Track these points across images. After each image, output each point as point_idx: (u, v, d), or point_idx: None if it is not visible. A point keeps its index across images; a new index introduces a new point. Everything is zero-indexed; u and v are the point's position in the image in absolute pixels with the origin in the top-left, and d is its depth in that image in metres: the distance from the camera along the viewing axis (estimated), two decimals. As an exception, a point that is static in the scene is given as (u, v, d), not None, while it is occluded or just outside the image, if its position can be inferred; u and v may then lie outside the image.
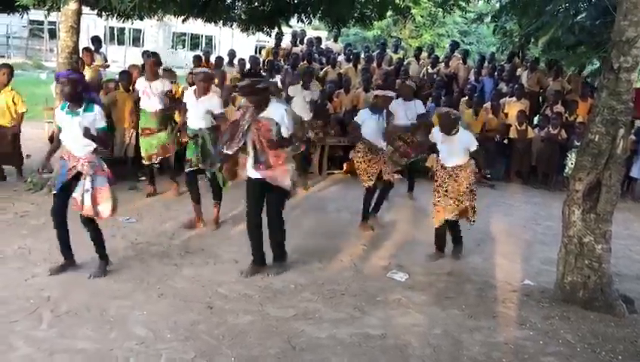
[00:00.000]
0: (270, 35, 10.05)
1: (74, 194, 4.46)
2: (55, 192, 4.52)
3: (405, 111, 7.43)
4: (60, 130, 4.53)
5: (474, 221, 5.64)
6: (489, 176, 9.97)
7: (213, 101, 5.97)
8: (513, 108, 10.19)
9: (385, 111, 6.41)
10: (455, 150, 5.41)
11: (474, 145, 5.41)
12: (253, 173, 4.79)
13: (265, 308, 4.27)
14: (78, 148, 4.44)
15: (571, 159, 8.85)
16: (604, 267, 4.67)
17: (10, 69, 7.19)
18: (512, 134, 9.91)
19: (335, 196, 8.03)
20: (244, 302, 4.34)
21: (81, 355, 3.45)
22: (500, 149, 10.00)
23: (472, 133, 5.74)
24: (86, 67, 8.79)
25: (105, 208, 4.51)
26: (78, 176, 4.45)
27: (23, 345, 3.51)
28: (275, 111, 4.65)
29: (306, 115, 7.73)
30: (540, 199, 8.86)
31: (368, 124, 6.27)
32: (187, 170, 6.08)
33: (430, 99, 10.71)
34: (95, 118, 4.42)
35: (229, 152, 4.75)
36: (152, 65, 6.85)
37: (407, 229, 6.65)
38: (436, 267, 5.43)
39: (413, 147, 7.54)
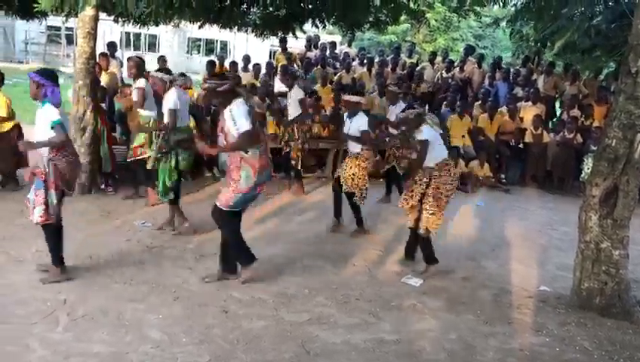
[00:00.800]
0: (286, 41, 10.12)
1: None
2: None
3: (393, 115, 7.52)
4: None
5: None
6: (504, 180, 9.92)
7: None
8: (529, 112, 10.13)
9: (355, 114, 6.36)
10: None
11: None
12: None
13: (279, 312, 4.27)
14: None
15: (588, 164, 8.77)
16: (622, 273, 4.62)
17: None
18: (528, 138, 9.85)
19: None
20: (259, 307, 4.35)
21: (97, 359, 3.48)
22: (516, 154, 9.94)
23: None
24: (102, 72, 8.87)
25: (36, 212, 4.37)
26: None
27: (39, 347, 3.55)
28: (229, 111, 4.53)
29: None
30: (555, 204, 8.78)
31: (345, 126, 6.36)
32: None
33: (445, 103, 10.70)
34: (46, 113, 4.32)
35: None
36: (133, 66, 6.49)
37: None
38: (450, 272, 5.40)
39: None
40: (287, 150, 8.03)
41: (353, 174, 6.18)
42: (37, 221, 4.40)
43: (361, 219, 6.40)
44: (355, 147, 6.27)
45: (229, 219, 4.68)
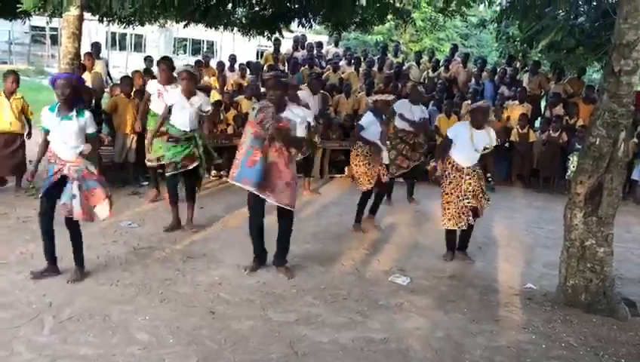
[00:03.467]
0: (271, 40, 10.11)
1: (63, 200, 4.41)
2: (41, 196, 4.47)
3: (412, 114, 7.48)
4: (47, 132, 4.46)
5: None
6: (490, 179, 9.97)
7: (203, 99, 6.04)
8: (515, 111, 10.21)
9: (384, 114, 6.46)
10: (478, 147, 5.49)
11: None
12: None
13: (267, 312, 4.27)
14: (65, 151, 4.42)
15: (573, 162, 8.86)
16: (606, 270, 4.67)
17: (16, 76, 7.20)
18: (514, 137, 9.92)
19: (337, 200, 8.03)
20: (246, 307, 4.34)
21: (83, 361, 3.45)
22: (502, 152, 9.99)
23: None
24: (86, 72, 8.81)
25: (101, 210, 4.51)
26: (64, 180, 4.42)
27: (25, 350, 3.51)
28: (297, 112, 4.80)
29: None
30: (541, 202, 8.86)
31: (372, 127, 6.29)
32: (170, 173, 5.98)
33: (432, 103, 10.75)
34: (86, 123, 4.44)
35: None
36: (165, 69, 6.73)
37: (409, 233, 6.65)
38: (438, 271, 5.43)
39: (416, 149, 7.59)
40: None
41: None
42: (104, 216, 4.61)
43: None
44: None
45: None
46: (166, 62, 6.84)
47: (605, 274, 4.66)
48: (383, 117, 6.47)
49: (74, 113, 4.41)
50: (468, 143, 5.46)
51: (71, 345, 3.62)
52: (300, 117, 4.77)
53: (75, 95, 4.44)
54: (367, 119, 6.36)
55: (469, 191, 5.46)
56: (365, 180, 6.35)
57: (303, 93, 7.80)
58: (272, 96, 4.74)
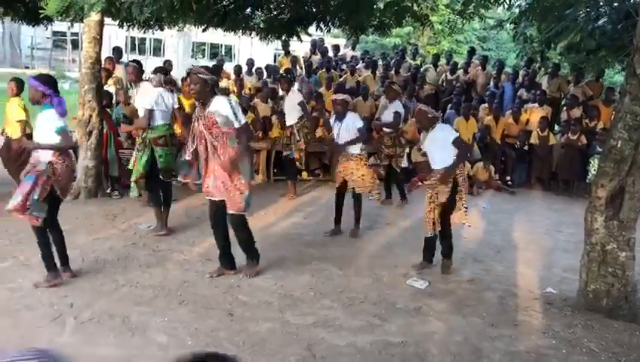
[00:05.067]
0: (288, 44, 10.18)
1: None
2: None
3: (389, 111, 7.53)
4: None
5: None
6: (510, 182, 9.90)
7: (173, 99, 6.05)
8: (535, 114, 10.11)
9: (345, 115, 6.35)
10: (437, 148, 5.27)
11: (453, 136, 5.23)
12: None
13: (285, 315, 4.28)
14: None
15: (594, 166, 8.74)
16: (628, 275, 4.60)
17: (17, 82, 7.27)
18: (534, 140, 9.83)
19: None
20: (264, 309, 4.35)
21: (103, 361, 3.49)
22: (521, 156, 9.92)
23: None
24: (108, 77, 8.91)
25: (12, 200, 4.33)
26: None
27: (47, 350, 3.56)
28: (219, 103, 4.56)
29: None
30: (561, 206, 8.75)
31: (334, 130, 6.29)
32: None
33: (450, 106, 10.71)
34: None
35: (187, 157, 4.84)
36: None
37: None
38: (456, 274, 5.39)
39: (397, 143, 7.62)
40: (287, 153, 8.05)
41: (362, 175, 6.19)
42: (9, 208, 4.32)
43: (360, 218, 6.44)
44: (354, 148, 6.21)
45: (244, 222, 4.85)
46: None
47: (627, 279, 4.59)
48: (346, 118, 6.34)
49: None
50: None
51: (91, 346, 3.67)
52: (225, 111, 4.52)
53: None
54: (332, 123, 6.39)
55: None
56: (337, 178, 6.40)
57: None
58: (192, 90, 4.67)
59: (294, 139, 7.84)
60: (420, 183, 5.50)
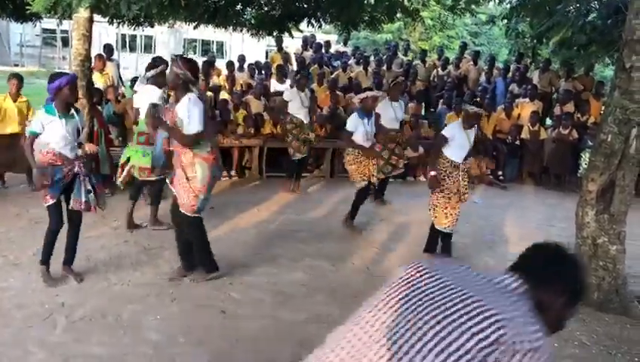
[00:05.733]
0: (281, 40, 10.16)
1: (76, 197, 4.43)
2: (53, 202, 4.41)
3: (394, 112, 7.39)
4: (35, 135, 4.32)
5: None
6: (501, 177, 9.93)
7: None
8: (526, 109, 10.16)
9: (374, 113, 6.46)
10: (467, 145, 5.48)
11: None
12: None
13: (277, 312, 4.27)
14: (70, 150, 4.44)
15: (585, 160, 8.79)
16: (619, 268, 4.63)
17: (18, 79, 7.24)
18: (525, 135, 9.87)
19: (347, 199, 8.00)
20: (257, 306, 4.35)
21: (95, 360, 3.48)
22: (512, 151, 9.95)
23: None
24: (97, 73, 8.86)
25: (102, 201, 4.66)
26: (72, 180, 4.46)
27: (38, 350, 3.54)
28: (182, 104, 4.35)
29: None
30: (552, 200, 8.79)
31: (359, 128, 6.28)
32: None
33: (441, 101, 10.73)
34: (80, 120, 4.55)
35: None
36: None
37: (419, 232, 6.62)
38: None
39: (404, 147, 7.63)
40: (301, 154, 8.07)
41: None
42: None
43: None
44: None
45: (196, 224, 4.60)
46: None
47: (618, 272, 4.62)
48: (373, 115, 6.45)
49: (73, 112, 4.46)
50: (465, 141, 5.44)
51: (83, 344, 3.65)
52: (181, 113, 4.34)
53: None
54: (353, 122, 6.33)
55: (463, 187, 5.48)
56: (358, 177, 6.35)
57: (292, 90, 8.02)
58: (168, 80, 4.60)
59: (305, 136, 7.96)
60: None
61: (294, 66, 11.28)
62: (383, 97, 7.07)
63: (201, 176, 4.43)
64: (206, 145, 4.46)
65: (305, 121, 7.98)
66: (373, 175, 6.38)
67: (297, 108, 7.93)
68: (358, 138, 6.27)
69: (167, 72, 4.70)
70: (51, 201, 4.40)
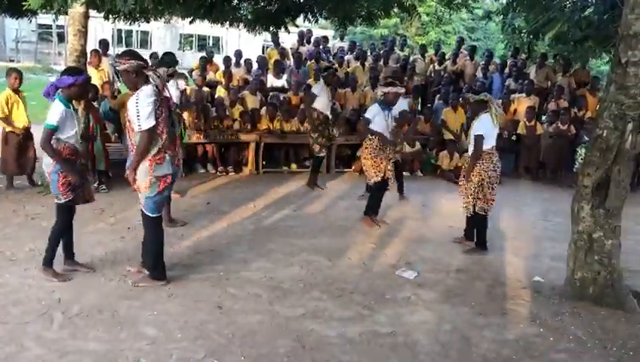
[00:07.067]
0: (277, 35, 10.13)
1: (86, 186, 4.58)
2: (71, 199, 4.43)
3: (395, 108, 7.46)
4: (54, 129, 4.22)
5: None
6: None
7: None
8: (522, 104, 10.17)
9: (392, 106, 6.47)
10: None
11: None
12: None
13: (274, 307, 4.28)
14: (80, 145, 4.50)
15: (581, 155, 8.81)
16: (614, 262, 4.65)
17: (19, 73, 7.24)
18: (521, 130, 9.88)
19: (343, 195, 8.03)
20: (253, 302, 4.35)
21: (92, 356, 3.48)
22: (509, 146, 9.96)
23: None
24: (93, 69, 8.83)
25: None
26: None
27: (35, 346, 3.54)
28: (132, 99, 4.12)
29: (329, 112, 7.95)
30: (549, 195, 8.82)
31: (378, 119, 6.29)
32: None
33: (438, 96, 10.72)
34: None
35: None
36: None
37: (416, 227, 6.64)
38: (445, 264, 5.42)
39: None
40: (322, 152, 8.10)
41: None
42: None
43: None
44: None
45: (151, 225, 4.43)
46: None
47: (613, 267, 4.64)
48: (393, 110, 6.49)
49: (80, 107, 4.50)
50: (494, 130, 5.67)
51: (80, 340, 3.65)
52: (130, 109, 4.11)
53: None
54: (373, 111, 6.36)
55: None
56: (372, 172, 6.35)
57: (319, 86, 7.93)
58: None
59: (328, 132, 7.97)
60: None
61: (292, 62, 11.25)
62: (405, 96, 7.13)
63: (143, 176, 4.20)
64: (156, 144, 4.16)
65: (330, 117, 7.95)
66: (389, 169, 6.39)
67: (325, 104, 7.83)
68: (376, 128, 6.31)
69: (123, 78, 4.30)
70: (70, 197, 4.41)
